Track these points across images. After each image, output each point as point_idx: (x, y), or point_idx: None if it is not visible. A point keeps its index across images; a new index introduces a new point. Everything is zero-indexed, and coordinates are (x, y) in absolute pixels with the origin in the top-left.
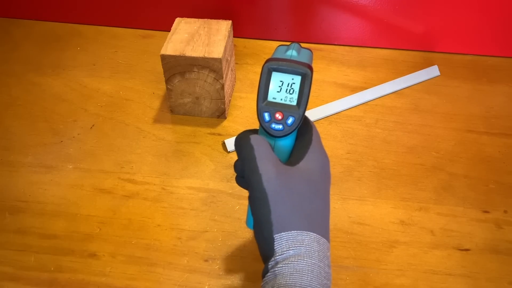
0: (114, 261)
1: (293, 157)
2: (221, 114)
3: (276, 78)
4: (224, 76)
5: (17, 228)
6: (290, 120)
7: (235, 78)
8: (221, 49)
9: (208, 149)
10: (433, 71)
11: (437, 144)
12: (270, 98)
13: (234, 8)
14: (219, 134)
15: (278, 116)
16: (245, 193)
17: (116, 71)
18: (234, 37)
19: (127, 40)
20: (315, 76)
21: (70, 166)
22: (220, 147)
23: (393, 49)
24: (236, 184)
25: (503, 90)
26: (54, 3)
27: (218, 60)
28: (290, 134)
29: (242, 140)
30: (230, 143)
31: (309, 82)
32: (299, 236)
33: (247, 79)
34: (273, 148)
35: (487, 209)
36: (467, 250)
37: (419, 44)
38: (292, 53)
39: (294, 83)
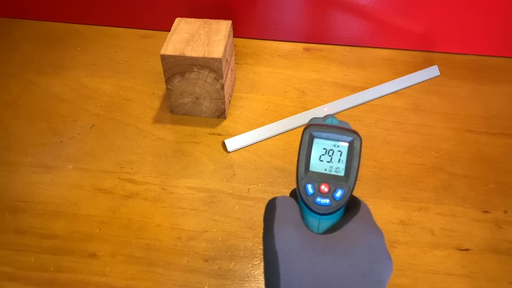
0: (114, 261)
1: (328, 229)
2: (221, 114)
3: (319, 146)
4: (224, 76)
5: (17, 228)
6: (338, 193)
7: (235, 78)
8: (221, 49)
9: (208, 149)
10: (433, 71)
11: (437, 144)
12: (312, 168)
13: (234, 8)
14: (219, 134)
15: (324, 188)
16: (245, 193)
17: (116, 71)
18: (234, 37)
19: (127, 40)
20: (315, 76)
21: (70, 166)
22: (220, 147)
23: (393, 49)
24: (236, 184)
25: (503, 90)
26: (54, 3)
27: (218, 60)
28: (337, 212)
29: (269, 201)
30: (230, 143)
31: (358, 149)
32: None
33: (247, 79)
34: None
35: (487, 209)
36: (467, 250)
37: (419, 44)
38: (332, 121)
39: (340, 151)
